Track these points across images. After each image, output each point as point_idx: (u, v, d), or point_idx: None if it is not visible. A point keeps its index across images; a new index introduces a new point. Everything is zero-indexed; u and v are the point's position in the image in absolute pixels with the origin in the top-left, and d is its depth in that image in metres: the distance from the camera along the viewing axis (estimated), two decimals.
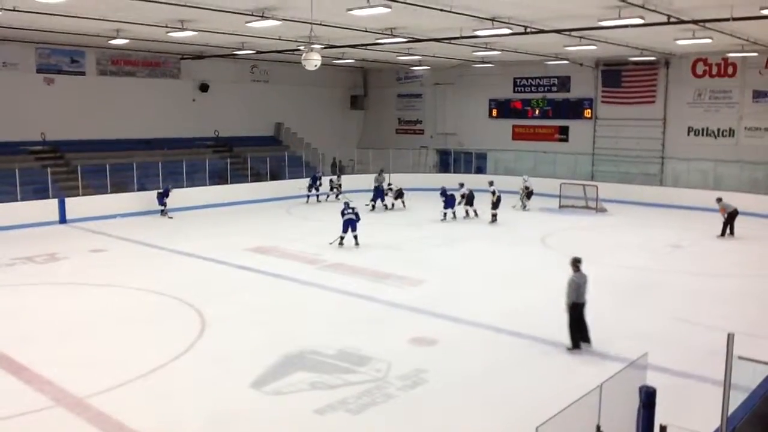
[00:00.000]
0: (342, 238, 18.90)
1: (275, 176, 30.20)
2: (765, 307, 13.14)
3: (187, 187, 26.75)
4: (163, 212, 24.50)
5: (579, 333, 10.91)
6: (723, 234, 20.73)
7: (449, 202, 23.93)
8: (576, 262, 11.05)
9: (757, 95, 26.75)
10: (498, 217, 23.23)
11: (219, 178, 28.57)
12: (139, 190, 25.43)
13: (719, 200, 21.17)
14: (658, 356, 9.06)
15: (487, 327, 12.23)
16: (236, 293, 14.53)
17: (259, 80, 33.73)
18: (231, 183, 28.58)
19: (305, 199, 28.47)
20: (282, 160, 30.89)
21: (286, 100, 34.28)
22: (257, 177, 29.74)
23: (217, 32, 21.25)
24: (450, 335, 11.80)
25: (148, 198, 24.79)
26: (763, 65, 26.24)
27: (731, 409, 6.39)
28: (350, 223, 18.88)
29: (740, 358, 8.30)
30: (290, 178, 30.59)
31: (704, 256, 18.72)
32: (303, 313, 13.18)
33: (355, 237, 19.01)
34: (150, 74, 29.62)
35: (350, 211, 18.95)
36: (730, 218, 20.72)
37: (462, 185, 24.84)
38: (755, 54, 25.04)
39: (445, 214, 23.84)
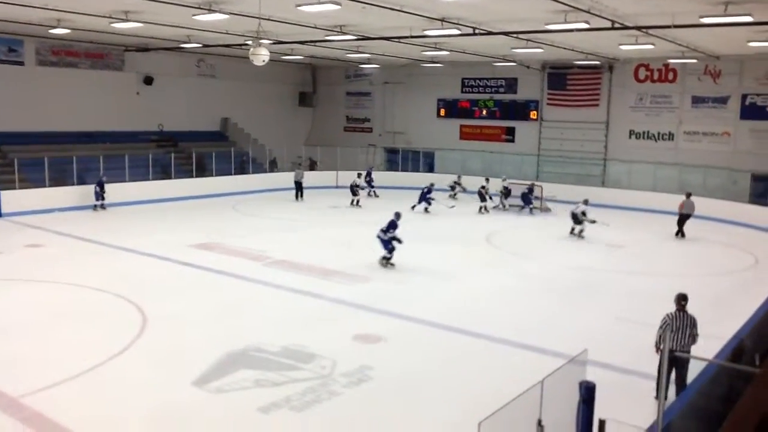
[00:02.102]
0: (385, 258, 16.50)
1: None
2: (703, 305, 13.50)
3: (129, 181, 26.14)
4: (96, 207, 23.93)
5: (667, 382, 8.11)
6: (678, 234, 21.42)
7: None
8: (679, 300, 9.04)
9: (696, 101, 27.62)
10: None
11: (163, 173, 28.02)
12: (79, 183, 24.76)
13: (689, 195, 21.81)
14: (599, 352, 9.25)
15: (432, 324, 12.29)
16: (179, 290, 14.27)
17: (205, 74, 33.20)
18: (175, 178, 28.07)
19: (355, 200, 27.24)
20: (228, 156, 30.49)
21: (233, 95, 33.85)
22: (202, 172, 29.30)
23: (163, 24, 20.78)
24: (395, 332, 11.83)
25: (88, 192, 24.16)
26: (702, 72, 27.09)
27: (667, 403, 6.56)
28: (381, 242, 16.52)
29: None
30: (236, 173, 30.32)
31: (644, 255, 19.23)
32: (247, 310, 13.02)
33: (385, 258, 16.51)
34: (92, 66, 28.83)
35: (384, 229, 16.40)
36: (682, 218, 21.37)
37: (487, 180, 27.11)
38: (695, 60, 25.84)
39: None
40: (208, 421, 8.40)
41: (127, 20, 19.62)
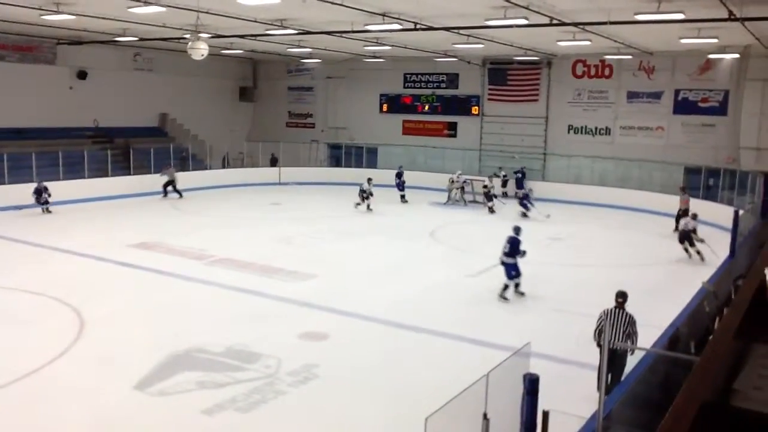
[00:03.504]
0: (506, 287, 13.88)
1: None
2: (641, 296, 13.91)
3: (64, 179, 25.28)
4: (43, 210, 22.90)
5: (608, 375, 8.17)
6: (677, 229, 21.55)
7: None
8: (617, 297, 9.07)
9: (631, 96, 28.35)
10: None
11: (99, 170, 27.20)
12: (10, 183, 23.80)
13: (683, 189, 22.10)
14: (542, 344, 9.40)
15: (377, 320, 12.30)
16: (118, 291, 13.89)
17: (142, 69, 32.34)
18: (112, 175, 27.30)
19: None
20: (167, 152, 29.81)
21: (172, 90, 33.06)
22: (140, 169, 28.60)
23: (97, 17, 20.14)
24: (341, 329, 11.79)
25: (20, 191, 23.18)
26: (636, 67, 27.80)
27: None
28: (505, 267, 13.94)
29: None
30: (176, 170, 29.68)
31: (582, 248, 19.66)
32: (189, 311, 12.76)
33: (515, 286, 13.97)
34: (21, 59, 27.70)
35: (507, 252, 13.82)
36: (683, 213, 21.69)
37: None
38: (630, 57, 26.52)
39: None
40: (150, 426, 8.20)
41: (58, 12, 18.91)
